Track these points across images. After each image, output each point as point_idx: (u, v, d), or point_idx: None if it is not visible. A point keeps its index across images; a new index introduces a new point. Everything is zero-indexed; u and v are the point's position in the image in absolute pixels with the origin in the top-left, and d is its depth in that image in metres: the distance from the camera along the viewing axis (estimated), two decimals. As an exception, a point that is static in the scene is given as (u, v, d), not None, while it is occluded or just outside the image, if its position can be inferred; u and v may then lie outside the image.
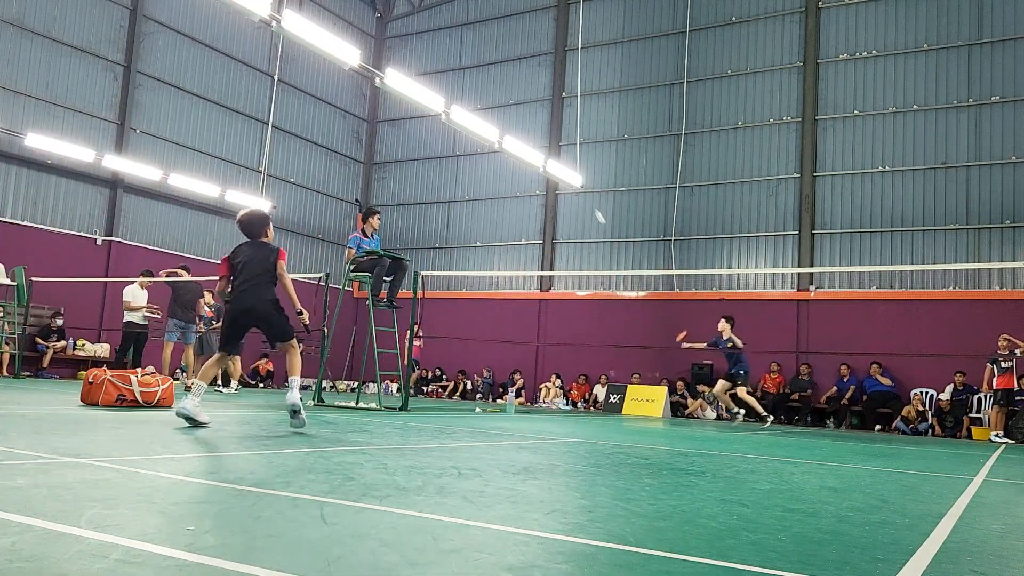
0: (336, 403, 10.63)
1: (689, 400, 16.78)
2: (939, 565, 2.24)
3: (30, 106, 15.80)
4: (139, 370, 7.93)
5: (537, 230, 20.52)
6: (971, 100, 15.85)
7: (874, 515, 3.17)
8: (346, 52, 10.87)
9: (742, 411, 13.12)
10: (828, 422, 15.67)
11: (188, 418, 5.42)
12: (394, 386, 18.68)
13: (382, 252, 10.32)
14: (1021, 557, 2.51)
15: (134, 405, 7.26)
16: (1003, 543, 2.76)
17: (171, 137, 18.32)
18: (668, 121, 19.01)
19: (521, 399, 18.62)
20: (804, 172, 17.20)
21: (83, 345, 16.30)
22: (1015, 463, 7.30)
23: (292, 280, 6.08)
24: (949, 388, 14.54)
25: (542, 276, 20.20)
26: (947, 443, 11.38)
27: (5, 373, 14.46)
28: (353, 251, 10.31)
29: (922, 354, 15.08)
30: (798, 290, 17.08)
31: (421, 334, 18.86)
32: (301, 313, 6.04)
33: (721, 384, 13.01)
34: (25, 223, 15.65)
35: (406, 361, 11.00)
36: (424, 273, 11.16)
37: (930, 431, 14.20)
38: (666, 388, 16.68)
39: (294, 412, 5.63)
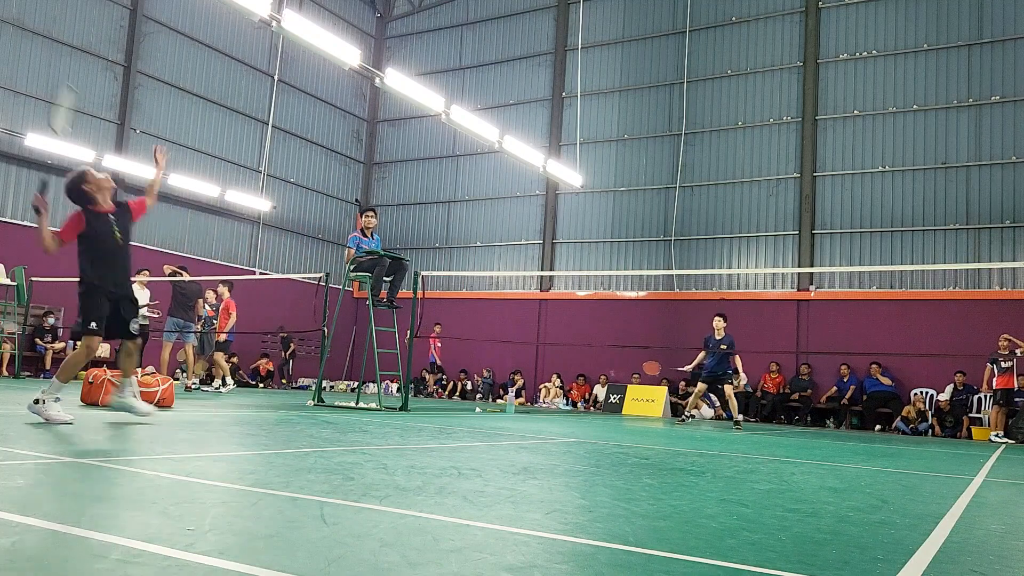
0: (336, 403, 10.62)
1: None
2: (939, 565, 2.24)
3: (30, 106, 15.81)
4: (139, 370, 7.91)
5: (537, 230, 20.52)
6: (971, 100, 15.86)
7: (874, 515, 3.17)
8: (346, 52, 10.88)
9: (741, 416, 13.02)
10: (828, 422, 15.67)
11: (128, 410, 5.53)
12: (394, 386, 18.66)
13: (382, 252, 10.32)
14: (1021, 557, 2.51)
15: (134, 405, 7.24)
16: (1003, 543, 2.76)
17: (171, 137, 18.30)
18: (668, 121, 19.01)
19: (521, 399, 18.61)
20: (804, 172, 17.20)
21: (83, 345, 16.27)
22: (1015, 463, 7.30)
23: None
24: (949, 388, 14.55)
25: (542, 276, 20.20)
26: (947, 443, 11.38)
27: (5, 373, 14.47)
28: (353, 251, 10.32)
29: (922, 354, 15.08)
30: (798, 290, 17.08)
31: (438, 331, 18.91)
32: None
33: (701, 387, 12.18)
34: (25, 223, 15.65)
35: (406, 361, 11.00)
36: (424, 273, 11.16)
37: (930, 431, 14.19)
38: (666, 388, 16.68)
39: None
